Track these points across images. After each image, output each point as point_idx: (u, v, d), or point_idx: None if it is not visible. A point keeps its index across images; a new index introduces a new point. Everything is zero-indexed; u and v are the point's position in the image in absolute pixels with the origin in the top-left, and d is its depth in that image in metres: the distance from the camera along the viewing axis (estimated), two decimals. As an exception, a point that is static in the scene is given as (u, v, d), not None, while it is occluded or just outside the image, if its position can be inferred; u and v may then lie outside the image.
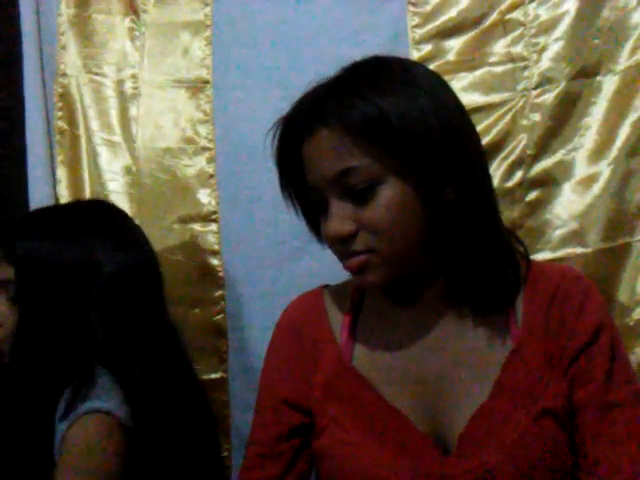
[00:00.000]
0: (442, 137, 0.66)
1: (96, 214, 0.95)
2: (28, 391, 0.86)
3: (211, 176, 1.17)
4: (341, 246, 0.70)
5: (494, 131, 1.06)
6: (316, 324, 0.79)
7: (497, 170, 1.05)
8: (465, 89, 1.07)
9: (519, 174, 1.05)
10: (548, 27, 1.05)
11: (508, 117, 1.06)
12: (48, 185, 1.22)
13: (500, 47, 1.07)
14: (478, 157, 0.73)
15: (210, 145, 1.17)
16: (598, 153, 1.02)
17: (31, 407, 0.84)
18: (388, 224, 0.67)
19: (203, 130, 1.18)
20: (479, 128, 1.02)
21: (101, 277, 0.89)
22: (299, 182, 0.75)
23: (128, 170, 1.21)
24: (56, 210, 0.99)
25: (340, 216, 0.68)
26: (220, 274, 1.16)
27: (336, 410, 0.72)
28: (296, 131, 0.72)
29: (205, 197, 1.16)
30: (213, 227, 1.15)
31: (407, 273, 0.71)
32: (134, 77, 1.22)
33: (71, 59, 1.23)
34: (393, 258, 0.68)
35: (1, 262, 0.89)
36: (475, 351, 0.71)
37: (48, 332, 0.87)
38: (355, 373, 0.74)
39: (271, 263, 1.13)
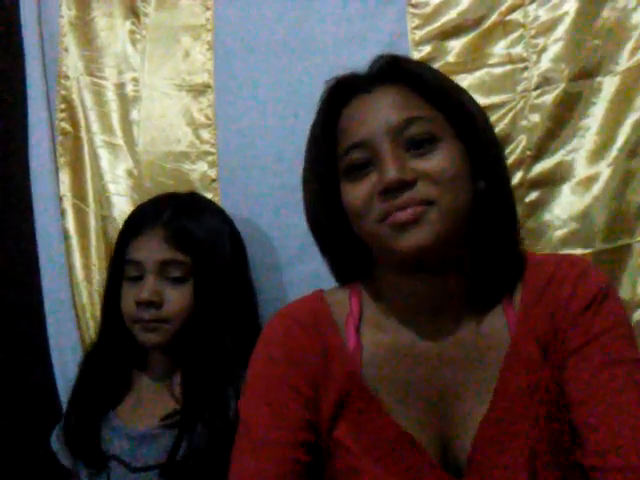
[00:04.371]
0: (485, 127, 0.73)
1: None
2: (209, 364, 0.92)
3: (213, 180, 1.17)
4: (392, 197, 0.66)
5: (494, 132, 1.06)
6: (325, 328, 0.75)
7: (497, 171, 1.05)
8: (465, 90, 1.07)
9: (519, 175, 1.05)
10: (548, 28, 1.05)
11: (508, 118, 1.06)
12: (51, 186, 1.22)
13: (500, 48, 1.07)
14: (504, 157, 0.78)
15: (212, 150, 1.18)
16: (598, 154, 1.02)
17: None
18: (452, 174, 0.67)
19: (205, 134, 1.18)
20: (479, 129, 1.03)
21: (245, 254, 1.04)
22: (327, 150, 0.75)
23: (130, 173, 1.21)
24: (196, 197, 1.06)
25: (401, 162, 0.67)
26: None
27: (344, 431, 0.70)
28: (348, 90, 0.74)
29: (207, 202, 1.16)
30: (216, 231, 1.14)
31: (446, 249, 0.68)
32: (135, 80, 1.22)
33: (73, 61, 1.23)
34: (450, 215, 0.66)
35: (166, 244, 0.93)
36: (474, 351, 0.71)
37: (224, 310, 0.95)
38: (366, 392, 0.70)
39: (274, 267, 1.13)
